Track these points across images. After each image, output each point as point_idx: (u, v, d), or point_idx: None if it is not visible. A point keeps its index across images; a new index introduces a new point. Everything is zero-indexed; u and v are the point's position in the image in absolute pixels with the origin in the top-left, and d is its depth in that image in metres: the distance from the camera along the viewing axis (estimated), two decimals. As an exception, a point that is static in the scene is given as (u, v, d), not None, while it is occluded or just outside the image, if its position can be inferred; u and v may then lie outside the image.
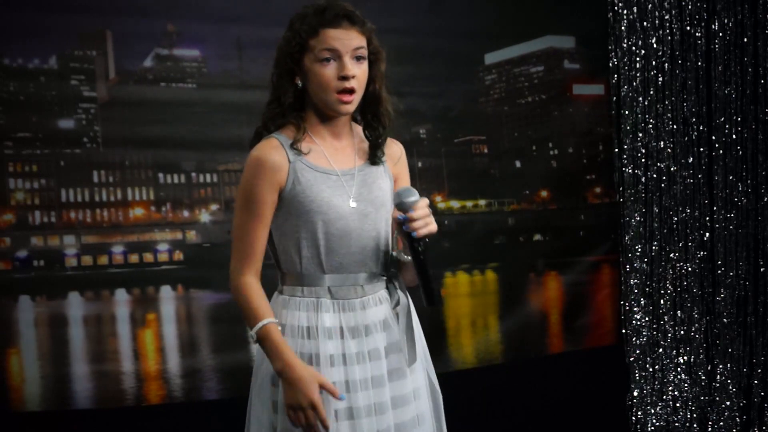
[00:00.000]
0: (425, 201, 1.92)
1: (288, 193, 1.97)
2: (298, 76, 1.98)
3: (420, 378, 2.08)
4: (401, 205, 1.91)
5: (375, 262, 2.03)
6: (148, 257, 4.15)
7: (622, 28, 4.26)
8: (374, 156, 2.04)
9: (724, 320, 4.23)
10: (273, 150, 1.97)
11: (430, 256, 1.90)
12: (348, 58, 1.93)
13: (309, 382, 1.89)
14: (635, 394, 4.27)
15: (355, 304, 2.00)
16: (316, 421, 1.90)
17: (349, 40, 1.94)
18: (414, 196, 1.91)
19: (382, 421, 1.98)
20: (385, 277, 2.06)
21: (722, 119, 4.21)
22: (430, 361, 2.17)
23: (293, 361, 1.91)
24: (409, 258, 1.97)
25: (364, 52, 1.97)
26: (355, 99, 1.96)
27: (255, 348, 2.06)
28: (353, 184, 2.00)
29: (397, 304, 2.05)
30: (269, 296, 2.06)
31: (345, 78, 1.92)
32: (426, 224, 1.89)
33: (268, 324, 1.94)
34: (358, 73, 1.95)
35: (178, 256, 4.17)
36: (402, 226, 1.91)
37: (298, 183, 1.96)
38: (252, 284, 1.98)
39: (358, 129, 2.09)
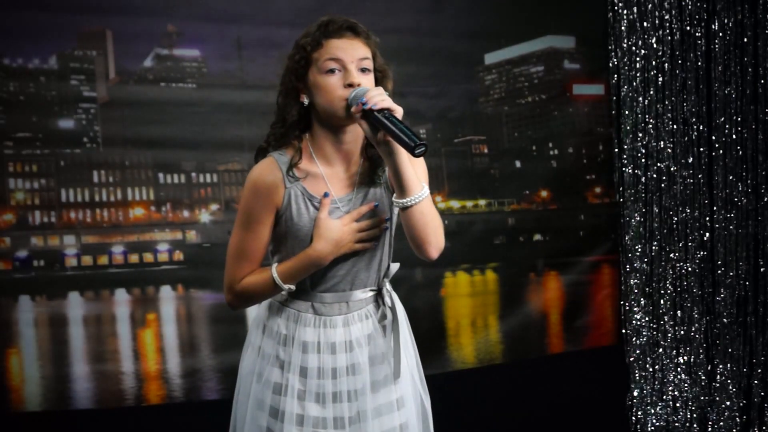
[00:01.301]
0: (379, 89, 1.90)
1: (281, 215, 1.97)
2: (303, 94, 1.96)
3: (406, 387, 2.07)
4: (354, 99, 1.88)
5: (367, 280, 2.03)
6: (148, 257, 4.16)
7: (622, 28, 4.26)
8: (373, 174, 2.01)
9: (724, 320, 4.23)
10: (269, 173, 1.96)
11: (396, 120, 1.85)
12: (353, 67, 1.91)
13: (327, 236, 1.93)
14: (635, 394, 4.27)
15: (337, 321, 2.00)
16: (370, 228, 1.97)
17: (353, 49, 1.92)
18: (364, 90, 1.89)
19: (362, 430, 1.98)
20: (374, 292, 2.05)
21: (722, 119, 4.21)
22: (421, 370, 2.16)
23: (308, 251, 1.94)
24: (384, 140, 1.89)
25: (369, 64, 1.95)
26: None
27: (242, 348, 2.09)
28: (349, 209, 1.98)
29: (384, 318, 2.04)
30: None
31: (351, 86, 1.90)
32: (382, 99, 1.85)
33: (273, 269, 1.96)
34: (365, 83, 1.92)
35: (178, 256, 4.18)
36: (363, 112, 1.86)
37: (289, 208, 1.96)
38: (244, 279, 2.00)
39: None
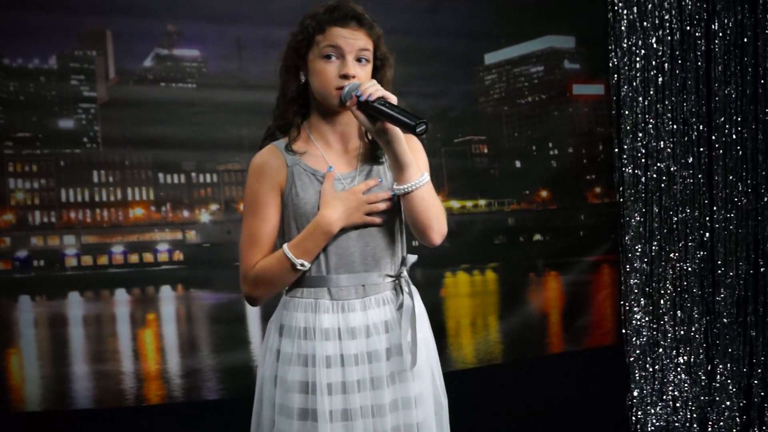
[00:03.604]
0: (372, 81, 1.94)
1: (287, 195, 1.99)
2: (302, 71, 2.01)
3: (425, 384, 2.06)
4: (347, 95, 1.93)
5: (382, 263, 2.03)
6: (148, 257, 4.16)
7: (622, 28, 4.26)
8: (375, 152, 2.04)
9: (724, 320, 4.23)
10: (270, 155, 2.01)
11: (392, 105, 1.90)
12: (351, 58, 1.96)
13: (334, 203, 1.95)
14: (635, 394, 4.27)
15: (355, 304, 2.00)
16: (376, 199, 1.98)
17: (354, 40, 1.96)
18: (356, 84, 1.94)
19: (379, 424, 1.97)
20: (392, 278, 2.05)
21: (722, 119, 4.21)
22: (440, 368, 2.14)
23: (316, 219, 1.95)
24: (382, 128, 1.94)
25: (369, 55, 1.99)
26: None
27: (257, 349, 2.07)
28: (354, 185, 2.01)
29: (401, 306, 2.03)
30: (278, 297, 2.08)
31: (345, 77, 1.94)
32: (376, 89, 1.90)
33: (285, 246, 1.97)
34: (360, 74, 1.96)
35: (178, 256, 4.18)
36: (357, 104, 1.91)
37: (294, 186, 1.98)
38: (257, 264, 2.00)
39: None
